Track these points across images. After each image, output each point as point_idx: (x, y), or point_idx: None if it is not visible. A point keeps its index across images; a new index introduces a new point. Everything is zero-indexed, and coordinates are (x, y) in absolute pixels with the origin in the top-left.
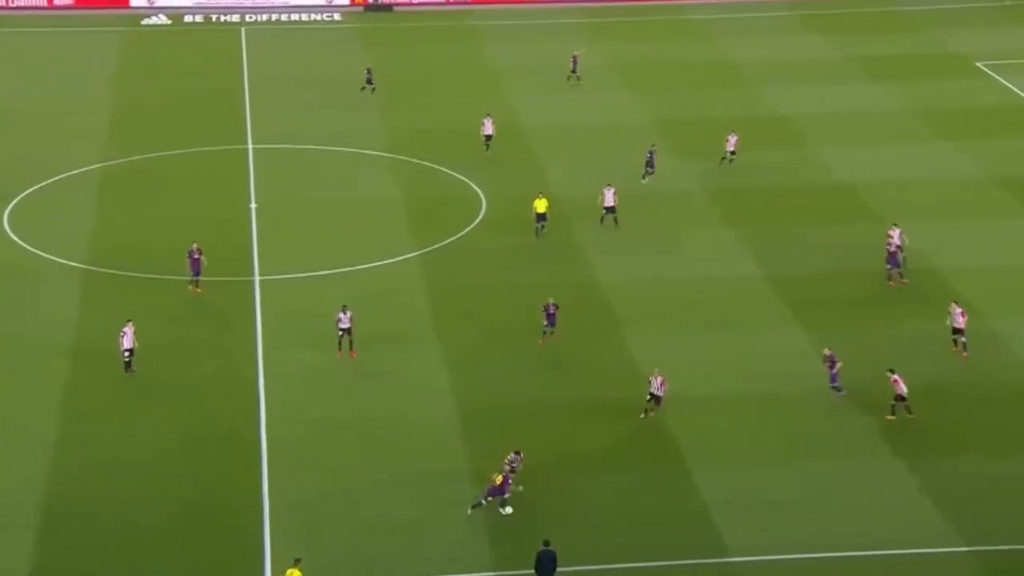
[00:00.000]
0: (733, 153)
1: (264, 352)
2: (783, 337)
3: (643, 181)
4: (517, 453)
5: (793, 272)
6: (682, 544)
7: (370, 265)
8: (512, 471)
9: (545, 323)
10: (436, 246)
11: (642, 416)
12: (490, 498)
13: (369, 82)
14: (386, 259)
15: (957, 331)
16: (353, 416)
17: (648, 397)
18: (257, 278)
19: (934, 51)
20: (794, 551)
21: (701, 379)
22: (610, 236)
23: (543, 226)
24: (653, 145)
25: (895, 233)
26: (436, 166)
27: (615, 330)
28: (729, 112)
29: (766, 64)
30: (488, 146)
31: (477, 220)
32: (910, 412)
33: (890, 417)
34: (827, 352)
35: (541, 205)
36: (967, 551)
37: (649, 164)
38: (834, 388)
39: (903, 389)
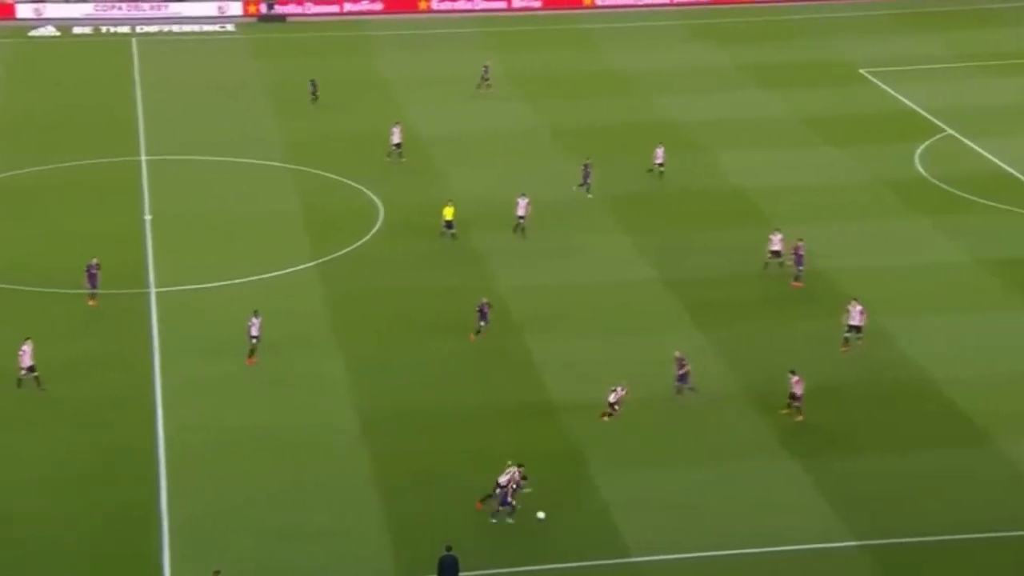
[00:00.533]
0: (661, 165)
1: (161, 364)
2: (681, 340)
3: (588, 196)
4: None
5: (690, 275)
6: (583, 545)
7: (268, 275)
8: (519, 483)
9: (481, 322)
10: (334, 255)
11: (604, 419)
12: (501, 507)
13: (313, 93)
14: (284, 269)
15: (854, 328)
16: (254, 426)
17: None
18: (153, 290)
19: (821, 59)
20: (693, 550)
21: (601, 382)
22: (508, 242)
23: (452, 233)
24: (588, 159)
25: (776, 238)
26: (333, 175)
27: (515, 335)
28: (623, 119)
29: (658, 72)
30: (400, 154)
31: (375, 229)
32: (800, 414)
33: (783, 411)
34: (677, 355)
35: (449, 212)
36: (858, 546)
37: (586, 177)
38: (684, 387)
39: (799, 390)
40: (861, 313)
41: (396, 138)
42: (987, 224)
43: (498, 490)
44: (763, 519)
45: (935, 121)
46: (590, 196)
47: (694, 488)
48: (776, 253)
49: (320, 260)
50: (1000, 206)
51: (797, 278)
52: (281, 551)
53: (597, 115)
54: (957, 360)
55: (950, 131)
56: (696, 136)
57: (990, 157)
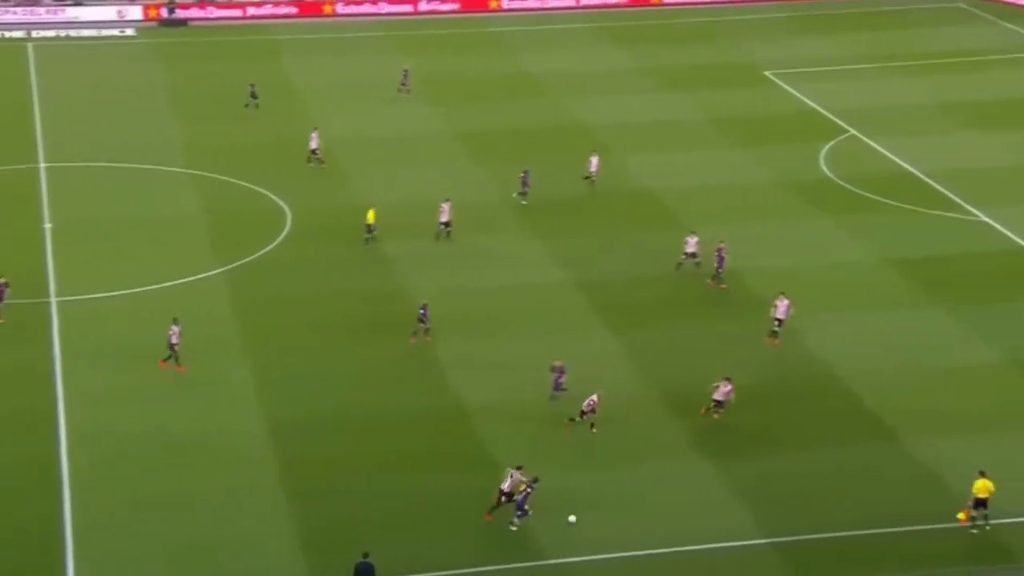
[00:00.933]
0: (593, 174)
1: (64, 374)
2: (595, 342)
3: (523, 202)
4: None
5: (603, 278)
6: (493, 548)
7: (172, 283)
8: (531, 485)
9: (420, 323)
10: (240, 262)
11: (593, 430)
12: (519, 512)
13: (253, 96)
14: (188, 276)
15: (779, 321)
16: (160, 434)
17: (581, 413)
18: (54, 300)
19: (726, 61)
20: (609, 551)
21: (512, 386)
22: (420, 246)
23: (373, 236)
24: (526, 167)
25: (692, 240)
26: (238, 181)
27: (423, 340)
28: (534, 123)
29: (566, 75)
30: (320, 159)
31: (282, 234)
32: (716, 415)
33: (703, 412)
34: (557, 363)
35: (371, 216)
36: (770, 543)
37: (524, 184)
38: (558, 394)
39: (722, 395)
40: (786, 307)
41: (314, 143)
42: (890, 223)
43: (514, 498)
44: (678, 519)
45: (838, 122)
46: (525, 203)
47: (609, 490)
48: (692, 255)
49: (226, 267)
50: (903, 205)
51: (716, 279)
52: (189, 561)
53: (508, 119)
54: (864, 358)
55: (853, 131)
56: (605, 139)
57: (892, 157)
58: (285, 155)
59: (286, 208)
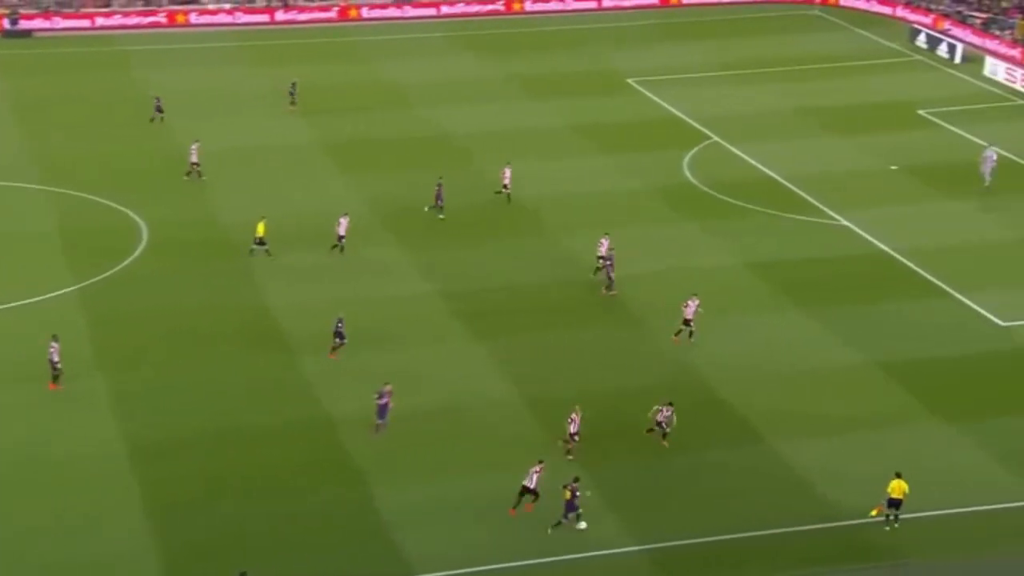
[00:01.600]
0: (506, 186)
1: None
2: (461, 351)
3: (439, 216)
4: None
5: (468, 287)
6: (366, 563)
7: (25, 301)
8: (576, 482)
9: (336, 339)
10: (96, 278)
11: (567, 456)
12: (570, 515)
13: (159, 110)
14: (42, 294)
15: (687, 321)
16: (14, 457)
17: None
18: None
19: (588, 69)
20: (477, 563)
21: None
22: (281, 260)
23: (265, 249)
24: (440, 178)
25: (605, 243)
26: (91, 196)
27: (286, 353)
28: (398, 133)
29: (429, 85)
30: (199, 173)
31: (139, 249)
32: (664, 442)
33: (647, 432)
34: (384, 388)
35: (261, 228)
36: (638, 550)
37: (438, 197)
38: (383, 421)
39: (662, 417)
40: (694, 309)
41: (194, 156)
42: (753, 228)
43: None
44: (539, 527)
45: (701, 128)
46: (442, 217)
47: (475, 500)
48: (604, 258)
49: (82, 283)
50: (765, 210)
51: (608, 286)
52: None
53: (374, 129)
54: (730, 362)
55: (715, 138)
56: (471, 147)
57: (753, 163)
58: (141, 168)
59: (142, 223)
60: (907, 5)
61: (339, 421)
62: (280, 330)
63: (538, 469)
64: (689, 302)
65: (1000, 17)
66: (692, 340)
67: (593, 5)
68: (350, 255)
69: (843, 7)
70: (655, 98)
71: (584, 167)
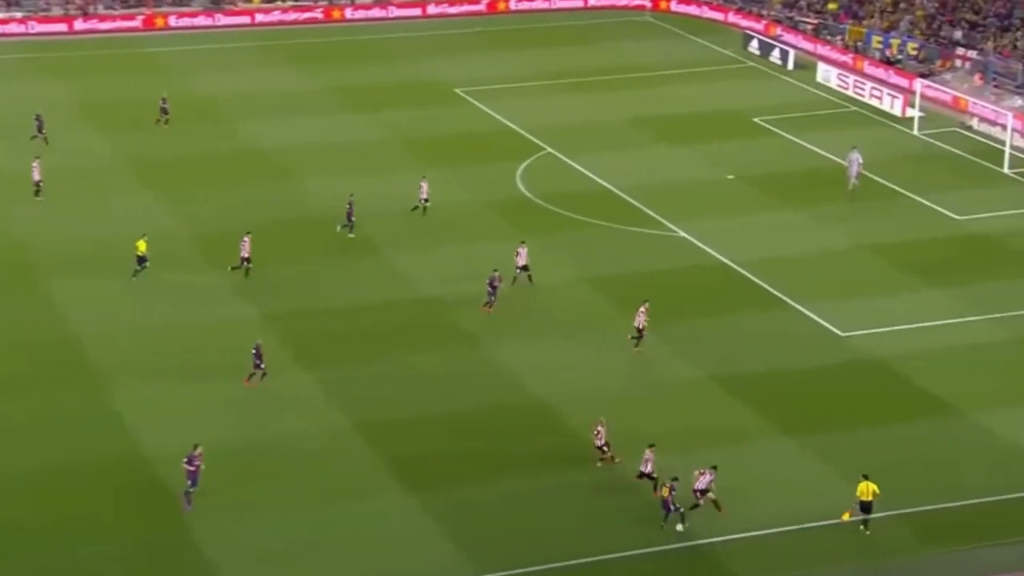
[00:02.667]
0: (427, 200)
1: None
2: (285, 381)
3: (349, 235)
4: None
5: (290, 308)
6: None
7: None
8: (674, 480)
9: (256, 363)
10: None
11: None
12: (683, 508)
13: (40, 130)
14: None
15: (638, 330)
16: None
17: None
18: None
19: (414, 79)
20: None
21: (192, 430)
22: (90, 284)
23: (144, 267)
24: (352, 196)
25: (523, 251)
26: None
27: (94, 383)
28: (208, 149)
29: (242, 97)
30: (38, 192)
31: None
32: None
33: (600, 461)
34: (195, 452)
35: (142, 246)
36: None
37: (349, 216)
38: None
39: (703, 484)
40: (642, 316)
41: (36, 175)
42: (589, 241)
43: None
44: (380, 558)
45: (534, 139)
46: (352, 236)
47: (305, 533)
48: (524, 267)
49: None
50: (601, 223)
51: (488, 303)
52: None
53: (182, 144)
54: (570, 381)
55: (549, 149)
56: (286, 163)
57: (589, 174)
58: None
59: None
60: (739, 11)
61: (154, 458)
62: (85, 359)
63: (649, 456)
64: (643, 308)
65: (831, 23)
66: (637, 350)
67: (418, 13)
68: (154, 279)
69: (674, 13)
70: (486, 109)
71: (413, 182)
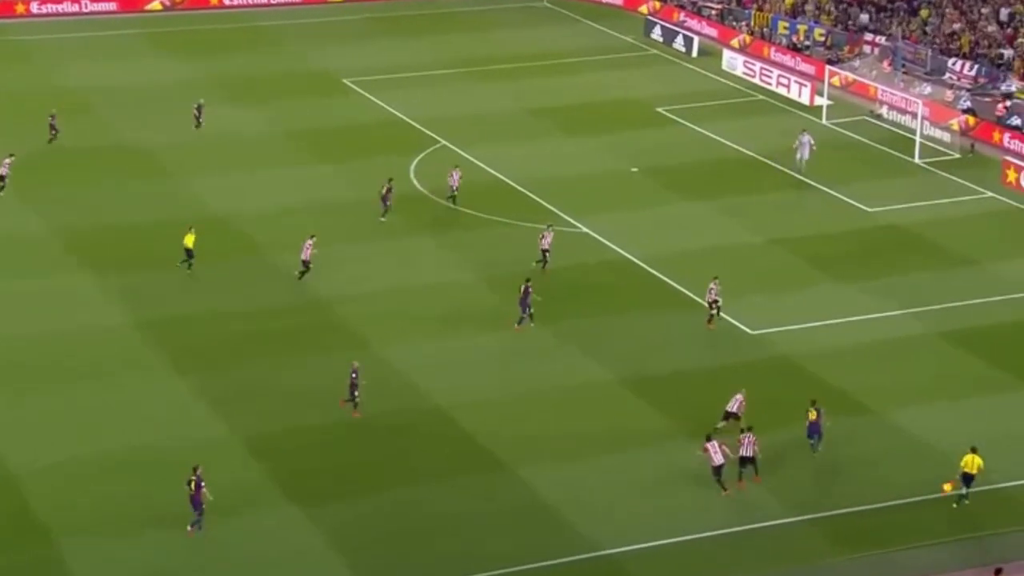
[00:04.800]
0: (455, 188)
1: None
2: (155, 386)
3: (381, 219)
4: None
5: (166, 314)
6: None
7: None
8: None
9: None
10: None
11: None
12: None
13: (52, 128)
14: None
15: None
16: None
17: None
18: None
19: (297, 69)
20: None
21: (62, 441)
22: None
23: (191, 261)
24: (391, 180)
25: (548, 236)
26: None
27: None
28: (77, 143)
29: (115, 90)
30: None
31: None
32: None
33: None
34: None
35: (190, 239)
36: None
37: (385, 200)
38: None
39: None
40: (716, 290)
41: (3, 170)
42: (488, 238)
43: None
44: (263, 571)
45: (427, 132)
46: (383, 220)
47: (189, 553)
48: (547, 251)
49: None
50: (500, 219)
51: None
52: None
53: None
54: (463, 386)
55: (444, 142)
56: (165, 160)
57: (486, 168)
58: None
59: None
60: None
61: (21, 474)
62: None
63: (752, 439)
64: (712, 285)
65: (736, 8)
66: (712, 325)
67: None
68: (25, 286)
69: None
70: (375, 99)
71: (300, 177)
